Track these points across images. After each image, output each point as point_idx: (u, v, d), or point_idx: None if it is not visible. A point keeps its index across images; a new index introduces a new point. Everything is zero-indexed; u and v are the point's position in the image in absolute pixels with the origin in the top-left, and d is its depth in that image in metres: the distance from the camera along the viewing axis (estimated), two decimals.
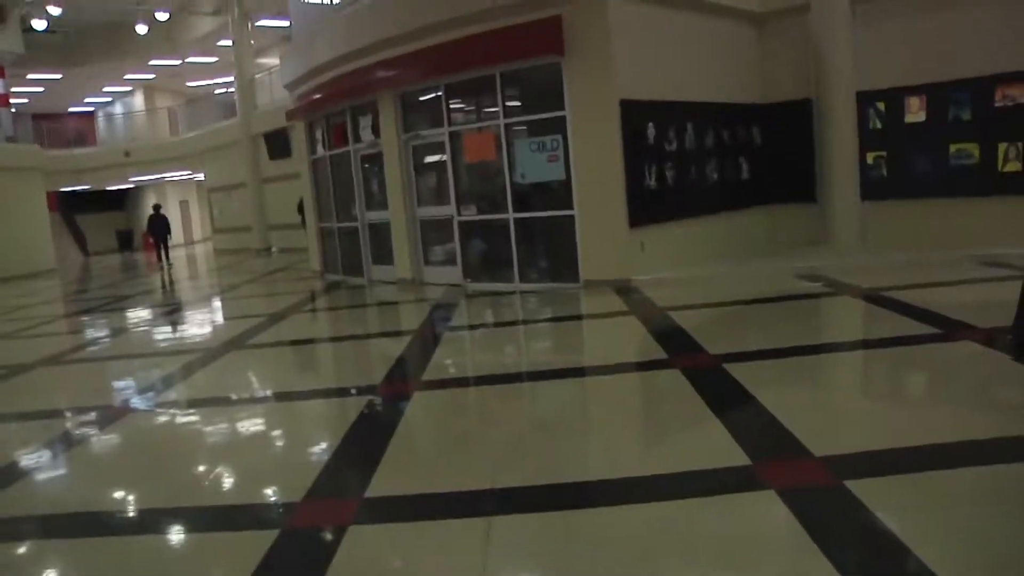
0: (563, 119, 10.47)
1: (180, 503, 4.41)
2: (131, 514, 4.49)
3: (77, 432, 6.19)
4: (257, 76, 26.68)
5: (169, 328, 12.08)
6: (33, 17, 25.24)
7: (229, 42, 26.86)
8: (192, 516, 4.24)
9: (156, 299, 16.60)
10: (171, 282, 19.99)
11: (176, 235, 33.62)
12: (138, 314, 14.07)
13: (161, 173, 33.97)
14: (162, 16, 26.46)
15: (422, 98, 12.30)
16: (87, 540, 4.11)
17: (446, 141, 11.84)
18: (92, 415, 6.60)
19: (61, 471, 5.38)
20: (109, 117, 39.48)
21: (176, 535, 4.06)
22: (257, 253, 25.57)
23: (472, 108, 12.07)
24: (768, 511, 3.53)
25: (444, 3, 11.24)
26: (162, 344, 10.65)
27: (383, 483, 4.35)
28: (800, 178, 12.56)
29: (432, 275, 12.65)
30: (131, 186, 37.39)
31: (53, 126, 34.47)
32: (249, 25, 26.07)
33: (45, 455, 5.61)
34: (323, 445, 5.31)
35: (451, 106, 11.90)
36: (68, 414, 6.88)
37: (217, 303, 14.81)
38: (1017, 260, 9.44)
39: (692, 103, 11.36)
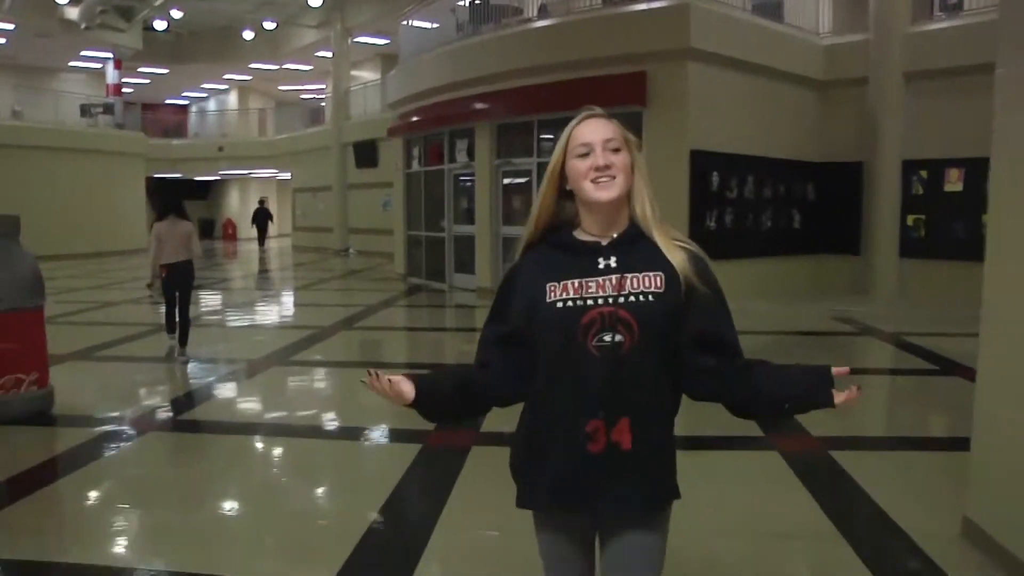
0: None
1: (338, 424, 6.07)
2: (307, 425, 6.17)
3: (237, 374, 7.90)
4: (352, 88, 28.59)
5: (286, 309, 13.94)
6: (155, 18, 27.53)
7: (327, 53, 28.81)
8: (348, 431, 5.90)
9: (263, 284, 18.60)
10: (268, 270, 22.03)
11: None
12: (249, 295, 15.96)
13: (250, 169, 36.12)
14: (269, 25, 28.51)
15: (515, 130, 13.91)
16: (278, 438, 5.79)
17: (534, 169, 13.46)
18: (244, 366, 8.33)
19: (238, 396, 7.08)
20: (202, 111, 41.91)
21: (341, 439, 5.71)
22: (335, 253, 27.38)
23: None
24: (773, 462, 5.03)
25: (541, 50, 12.90)
26: (282, 321, 12.46)
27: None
28: (846, 232, 13.91)
29: None
30: (217, 178, 39.69)
31: (150, 115, 36.81)
32: (349, 40, 27.96)
33: (222, 387, 7.33)
34: None
35: (541, 138, 13.51)
36: (227, 364, 8.62)
37: (317, 292, 16.56)
38: None
39: (754, 157, 12.82)
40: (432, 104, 15.69)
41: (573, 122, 2.02)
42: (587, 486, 1.92)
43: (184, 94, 41.02)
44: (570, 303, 1.91)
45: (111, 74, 30.54)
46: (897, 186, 13.36)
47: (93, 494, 4.81)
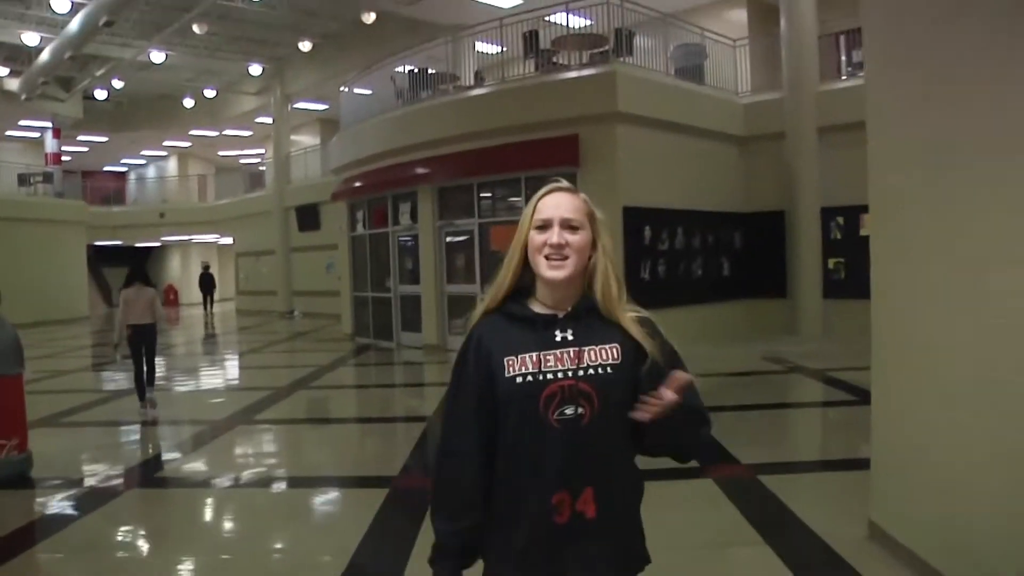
0: None
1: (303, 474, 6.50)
2: (276, 477, 6.58)
3: (205, 434, 8.27)
4: (293, 153, 29.11)
5: (240, 371, 14.23)
6: (96, 87, 27.80)
7: (267, 119, 29.28)
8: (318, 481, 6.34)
9: (215, 348, 18.79)
10: (216, 334, 22.25)
11: (197, 294, 35.85)
12: (202, 360, 16.20)
13: (191, 235, 36.19)
14: (210, 93, 28.99)
15: (456, 192, 14.57)
16: (251, 490, 6.21)
17: (475, 230, 14.09)
18: (210, 427, 8.70)
19: (209, 454, 7.46)
20: (141, 178, 41.93)
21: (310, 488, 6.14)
22: (280, 316, 27.57)
23: (499, 203, 14.33)
24: (709, 489, 5.62)
25: (479, 116, 13.64)
26: (238, 383, 12.77)
27: None
28: (773, 277, 14.78)
29: (455, 343, 14.72)
30: (157, 244, 39.63)
31: (89, 183, 36.71)
32: (288, 106, 28.50)
33: (192, 446, 7.70)
34: (400, 451, 7.39)
35: (481, 200, 14.17)
36: (196, 425, 8.97)
37: (268, 355, 16.85)
38: None
39: (683, 210, 13.64)
40: (375, 169, 16.29)
41: (540, 192, 2.03)
42: (554, 557, 1.92)
43: (123, 161, 41.05)
44: (529, 377, 1.93)
45: (50, 143, 30.59)
46: (817, 232, 14.31)
47: (81, 550, 5.13)
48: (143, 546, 5.26)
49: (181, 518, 5.83)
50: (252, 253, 31.24)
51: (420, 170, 14.80)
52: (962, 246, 3.69)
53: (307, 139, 31.24)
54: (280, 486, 6.60)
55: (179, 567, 4.80)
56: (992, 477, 3.46)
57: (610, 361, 1.95)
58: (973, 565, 3.57)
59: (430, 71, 15.86)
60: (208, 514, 5.92)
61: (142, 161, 41.19)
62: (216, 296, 31.35)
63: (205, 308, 30.16)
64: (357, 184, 16.94)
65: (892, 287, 4.42)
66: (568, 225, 1.96)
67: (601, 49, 13.94)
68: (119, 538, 5.35)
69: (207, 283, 30.55)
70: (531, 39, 14.21)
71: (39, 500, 6.16)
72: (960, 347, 3.72)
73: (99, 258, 39.81)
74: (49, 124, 29.71)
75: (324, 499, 6.20)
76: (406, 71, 16.26)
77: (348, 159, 17.53)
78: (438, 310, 14.86)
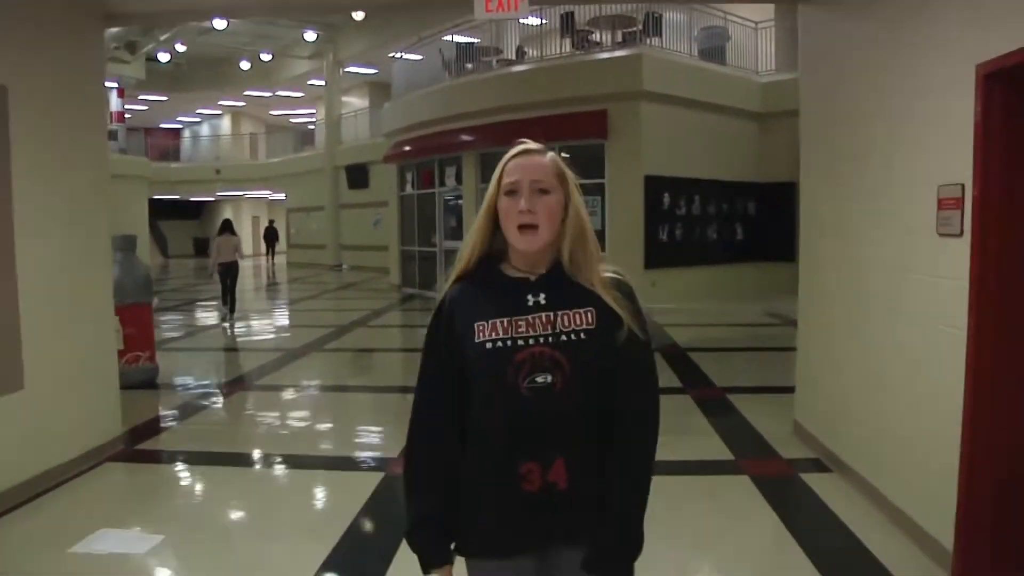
0: (602, 185, 14.26)
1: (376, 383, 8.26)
2: (349, 385, 8.35)
3: (286, 357, 10.07)
4: (344, 114, 30.76)
5: (303, 313, 16.16)
6: (159, 51, 29.59)
7: (318, 81, 30.90)
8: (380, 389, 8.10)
9: (277, 294, 20.87)
10: (277, 283, 24.56)
11: (249, 247, 37.93)
12: (268, 304, 18.12)
13: (244, 191, 38.13)
14: (266, 56, 30.62)
15: (497, 158, 16.03)
16: (329, 393, 7.99)
17: None
18: (289, 352, 10.50)
19: (293, 370, 9.25)
20: (195, 135, 43.85)
21: (381, 392, 7.90)
22: (329, 268, 29.42)
23: None
24: (686, 403, 7.24)
25: (519, 91, 15.15)
26: (303, 322, 14.64)
27: None
28: (782, 242, 16.15)
29: None
30: (211, 199, 41.65)
31: (148, 139, 38.61)
32: (340, 70, 30.07)
33: (278, 365, 9.51)
34: None
35: None
36: (276, 352, 10.78)
37: (326, 300, 18.76)
38: None
39: (700, 180, 15.11)
40: (423, 135, 17.90)
41: (508, 154, 1.95)
42: (528, 528, 1.85)
43: (179, 118, 42.93)
44: (499, 343, 1.83)
45: (114, 102, 32.39)
46: None
47: (207, 432, 6.91)
48: (257, 427, 7.02)
49: (278, 410, 7.62)
50: (303, 209, 33.07)
51: (465, 137, 16.38)
52: (842, 227, 5.25)
53: (356, 101, 32.76)
54: (355, 392, 8.41)
55: (281, 441, 6.56)
56: (855, 385, 5.02)
57: (584, 326, 1.86)
58: (845, 440, 5.17)
59: (475, 42, 17.37)
60: (299, 409, 7.69)
61: (197, 119, 43.07)
62: (277, 248, 33.69)
63: (268, 258, 32.76)
64: (407, 148, 18.57)
65: (808, 258, 6.01)
66: (538, 188, 1.88)
67: (631, 29, 15.33)
68: (237, 422, 7.14)
69: (271, 236, 33.08)
70: (567, 19, 15.65)
71: (168, 398, 7.96)
72: (837, 301, 5.31)
73: (155, 212, 41.88)
74: (115, 84, 31.52)
75: (389, 400, 7.94)
76: (453, 40, 17.76)
77: (399, 125, 19.14)
78: None
